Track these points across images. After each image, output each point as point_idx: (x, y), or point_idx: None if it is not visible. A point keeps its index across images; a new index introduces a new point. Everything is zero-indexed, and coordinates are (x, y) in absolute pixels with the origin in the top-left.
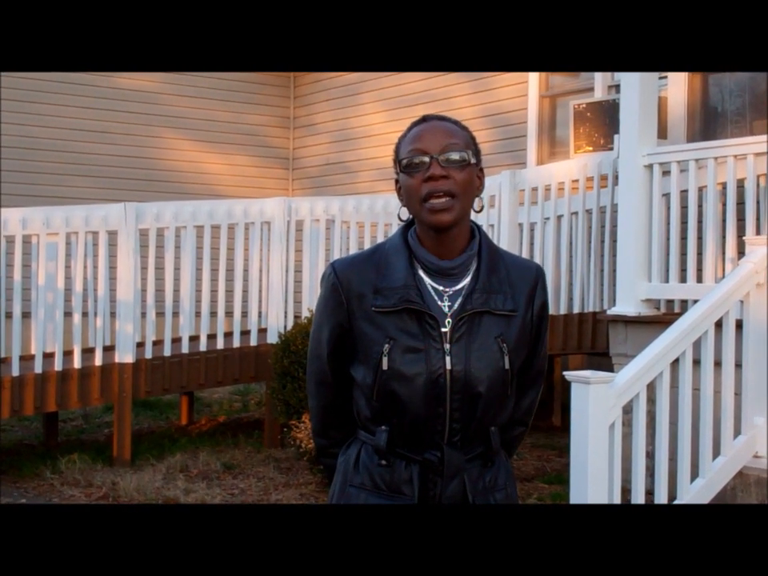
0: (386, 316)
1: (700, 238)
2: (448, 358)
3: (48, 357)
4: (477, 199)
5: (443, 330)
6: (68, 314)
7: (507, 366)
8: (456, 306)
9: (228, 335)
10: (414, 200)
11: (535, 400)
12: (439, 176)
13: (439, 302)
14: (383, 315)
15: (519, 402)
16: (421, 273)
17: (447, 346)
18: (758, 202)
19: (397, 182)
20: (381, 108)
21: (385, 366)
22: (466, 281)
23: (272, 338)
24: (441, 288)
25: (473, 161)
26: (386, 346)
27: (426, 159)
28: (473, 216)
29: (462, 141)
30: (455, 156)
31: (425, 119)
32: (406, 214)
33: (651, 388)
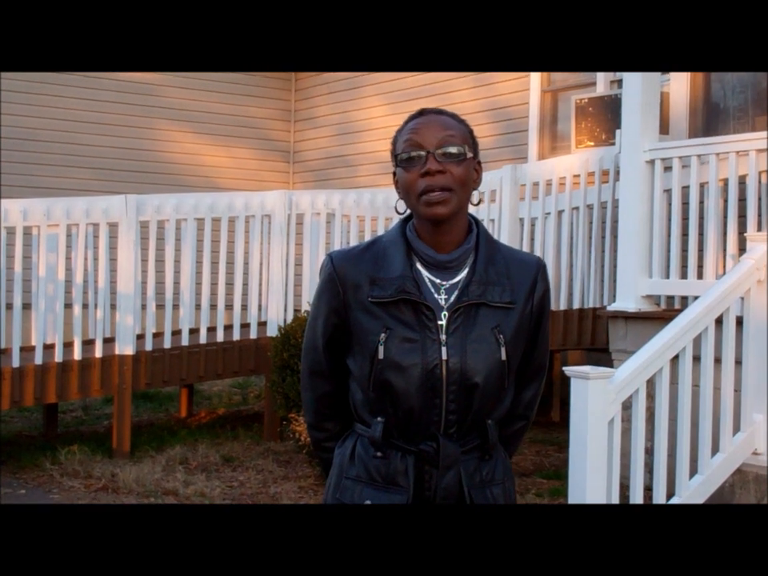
0: (383, 306)
1: (701, 234)
2: (444, 349)
3: (48, 348)
4: (475, 192)
5: (440, 322)
6: (68, 306)
7: (504, 358)
8: (452, 298)
9: (228, 328)
10: (410, 194)
11: (537, 394)
12: (435, 171)
13: (436, 295)
14: (380, 306)
15: (520, 395)
16: (418, 265)
17: (443, 337)
18: (759, 199)
19: (394, 174)
20: (382, 102)
21: (381, 356)
22: (463, 274)
23: (272, 331)
24: (438, 281)
25: (470, 155)
26: (382, 335)
27: (423, 154)
28: (474, 210)
29: (459, 134)
30: (452, 150)
31: (422, 113)
32: (403, 207)
33: (651, 384)
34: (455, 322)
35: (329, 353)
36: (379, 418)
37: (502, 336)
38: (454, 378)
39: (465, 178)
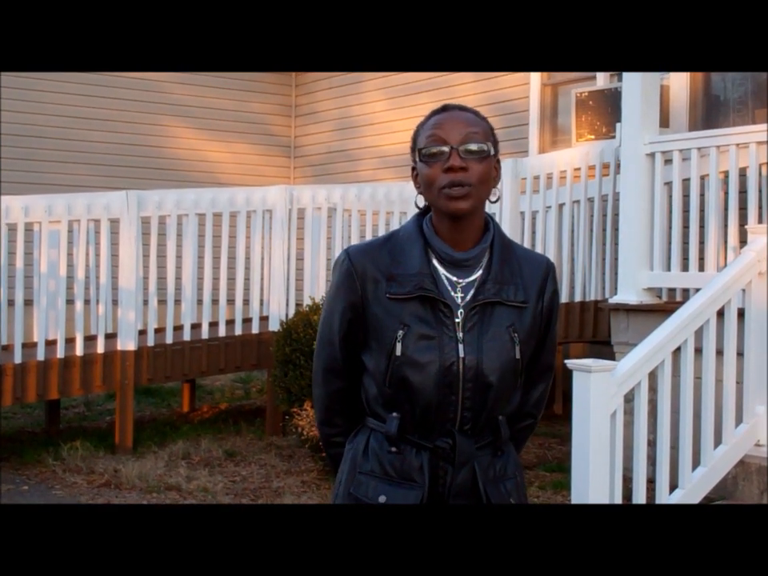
0: (400, 303)
1: (702, 227)
2: (461, 347)
3: (50, 344)
4: (494, 190)
5: (456, 320)
6: (70, 302)
7: (518, 356)
8: (468, 297)
9: (230, 323)
10: (432, 189)
11: (544, 393)
12: (458, 167)
13: (452, 293)
14: (397, 302)
15: (527, 393)
16: (435, 262)
17: (460, 335)
18: (760, 191)
19: (413, 169)
20: (383, 96)
21: (398, 353)
22: (479, 272)
23: (274, 326)
24: (454, 279)
25: (492, 152)
26: (400, 332)
27: (446, 149)
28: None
29: (482, 131)
30: (475, 147)
31: (445, 108)
32: (422, 202)
33: (653, 376)
34: (471, 320)
35: (345, 348)
36: (394, 414)
37: (516, 334)
38: (470, 376)
39: (486, 175)
